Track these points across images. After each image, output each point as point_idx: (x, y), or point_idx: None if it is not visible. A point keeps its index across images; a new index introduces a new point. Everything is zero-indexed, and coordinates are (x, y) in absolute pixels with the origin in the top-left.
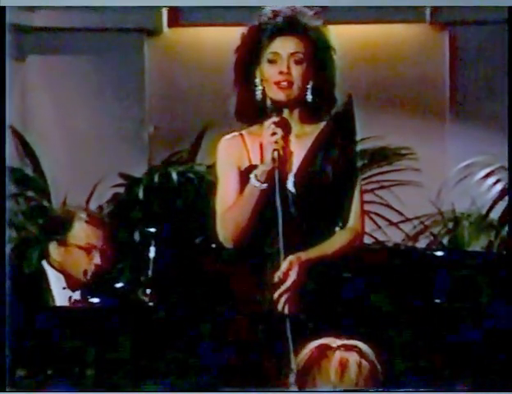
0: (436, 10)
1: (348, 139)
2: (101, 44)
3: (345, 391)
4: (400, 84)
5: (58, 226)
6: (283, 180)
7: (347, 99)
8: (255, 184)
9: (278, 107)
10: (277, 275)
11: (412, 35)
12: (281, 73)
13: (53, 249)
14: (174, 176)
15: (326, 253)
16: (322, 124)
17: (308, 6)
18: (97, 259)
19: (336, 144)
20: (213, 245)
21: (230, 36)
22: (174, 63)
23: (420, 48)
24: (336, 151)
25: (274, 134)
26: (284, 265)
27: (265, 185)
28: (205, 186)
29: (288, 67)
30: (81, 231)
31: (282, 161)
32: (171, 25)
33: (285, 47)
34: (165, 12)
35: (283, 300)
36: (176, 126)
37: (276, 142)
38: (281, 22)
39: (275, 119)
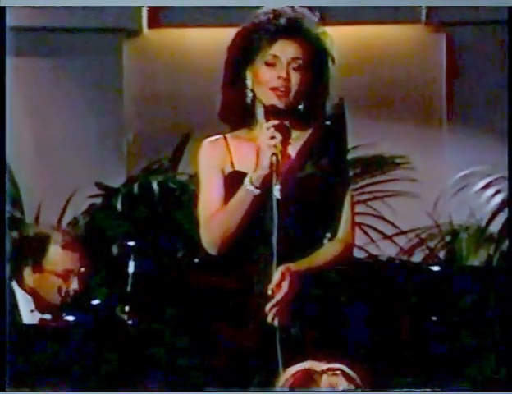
0: (431, 9)
1: (339, 145)
2: (76, 46)
3: (344, 391)
4: (394, 88)
5: (32, 250)
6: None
7: (338, 103)
8: (249, 188)
9: (269, 112)
10: (270, 287)
11: (406, 36)
12: (279, 78)
13: (28, 275)
14: (154, 185)
15: (316, 265)
16: (312, 129)
17: (308, 8)
18: (74, 284)
19: (326, 150)
20: (196, 260)
21: (214, 37)
22: (154, 66)
23: (415, 50)
24: (326, 158)
25: (273, 137)
26: (276, 276)
27: (259, 191)
28: (187, 197)
29: (287, 73)
30: (57, 256)
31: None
32: (151, 25)
33: (285, 51)
34: (145, 12)
35: (273, 312)
36: (156, 133)
37: (274, 146)
38: (283, 24)
39: (274, 122)
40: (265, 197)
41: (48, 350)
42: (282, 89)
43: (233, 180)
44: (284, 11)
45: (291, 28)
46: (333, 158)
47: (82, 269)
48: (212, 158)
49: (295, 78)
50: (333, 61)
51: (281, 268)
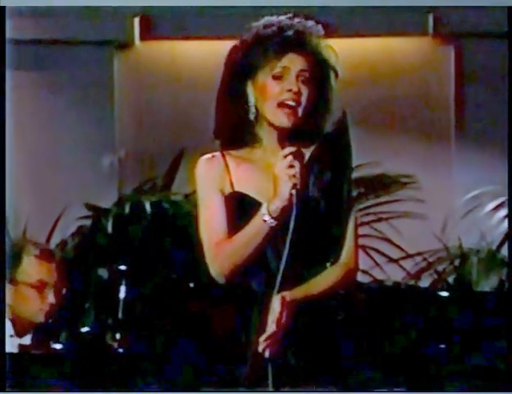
0: (439, 21)
1: (342, 162)
2: (64, 59)
3: (344, 391)
4: (400, 104)
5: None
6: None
7: (341, 117)
8: (267, 219)
9: (284, 137)
10: (271, 319)
11: (413, 49)
12: (289, 91)
13: (7, 290)
14: (147, 206)
15: (313, 292)
16: (313, 146)
17: (317, 22)
18: (51, 298)
19: (328, 168)
20: (191, 284)
21: (209, 50)
22: (147, 80)
23: (422, 64)
24: (328, 177)
25: (291, 166)
26: (277, 307)
27: (276, 222)
28: (182, 218)
29: (298, 86)
30: (31, 267)
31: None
32: (143, 37)
33: (295, 63)
34: (137, 23)
35: (266, 343)
36: (149, 150)
37: (294, 176)
38: (292, 36)
39: (291, 149)
40: (279, 227)
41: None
42: (292, 104)
43: (233, 202)
44: (291, 23)
45: (300, 40)
46: (337, 177)
47: (58, 283)
48: (211, 177)
49: (305, 92)
50: (336, 75)
51: (277, 297)
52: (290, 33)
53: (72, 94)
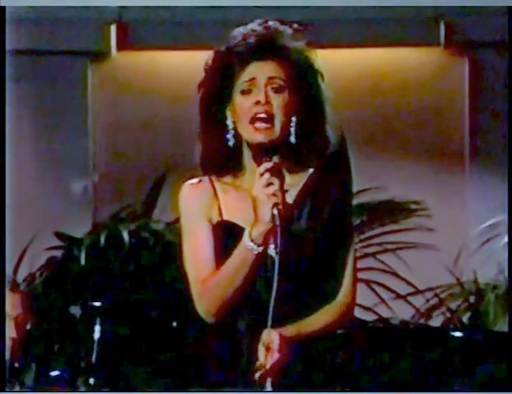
0: (451, 30)
1: (341, 188)
2: (34, 69)
3: (344, 391)
4: (407, 122)
5: None
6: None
7: (339, 139)
8: (251, 246)
9: (257, 153)
10: (262, 357)
11: (423, 61)
12: (257, 103)
13: None
14: (125, 235)
15: (309, 330)
16: (309, 172)
17: (285, 23)
18: (12, 332)
19: (326, 197)
20: (174, 323)
21: (194, 61)
22: (124, 93)
23: (433, 77)
24: (326, 206)
25: (270, 184)
26: (276, 344)
27: (261, 248)
28: (164, 248)
29: (266, 96)
30: None
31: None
32: (120, 47)
33: (261, 72)
34: (113, 32)
35: (259, 381)
36: (127, 173)
37: (274, 195)
38: (254, 43)
39: (267, 165)
40: (264, 255)
41: None
42: (263, 116)
43: (221, 232)
44: (252, 29)
45: (264, 46)
46: (335, 205)
47: (21, 315)
48: (198, 204)
49: (277, 101)
50: (322, 77)
51: (272, 335)
52: (251, 40)
53: (42, 109)
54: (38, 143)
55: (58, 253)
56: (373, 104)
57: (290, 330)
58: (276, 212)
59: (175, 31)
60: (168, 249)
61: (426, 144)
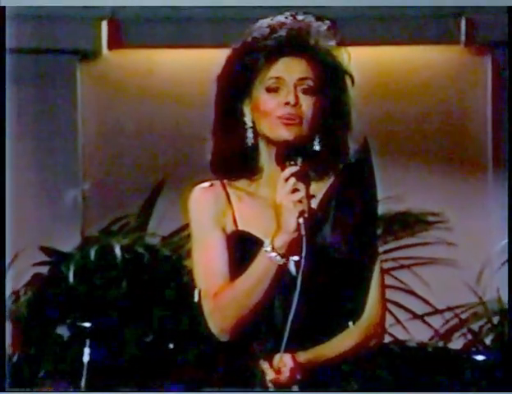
0: (473, 27)
1: (366, 200)
2: (20, 70)
3: (343, 391)
4: (425, 127)
5: None
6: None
7: (363, 144)
8: (273, 257)
9: (282, 153)
10: (270, 382)
11: (443, 61)
12: (287, 105)
13: None
14: (117, 251)
15: (329, 355)
16: (330, 180)
17: (316, 17)
18: None
19: (351, 206)
20: (171, 345)
21: (193, 60)
22: (117, 96)
23: (453, 77)
24: (351, 216)
25: (296, 190)
26: (286, 372)
27: (284, 260)
28: (160, 265)
29: (296, 97)
30: None
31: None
32: (112, 45)
33: (290, 70)
34: (104, 29)
35: None
36: (119, 182)
37: (300, 201)
38: (284, 37)
39: (293, 169)
40: (283, 268)
41: None
42: (292, 119)
43: (236, 243)
44: (283, 21)
45: (294, 42)
46: (360, 217)
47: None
48: (210, 211)
49: (307, 103)
50: (352, 82)
51: (283, 359)
52: (282, 33)
53: (29, 111)
54: (24, 150)
55: (45, 269)
56: (390, 107)
57: (308, 354)
58: (301, 221)
59: (171, 28)
60: (164, 265)
61: (446, 149)
